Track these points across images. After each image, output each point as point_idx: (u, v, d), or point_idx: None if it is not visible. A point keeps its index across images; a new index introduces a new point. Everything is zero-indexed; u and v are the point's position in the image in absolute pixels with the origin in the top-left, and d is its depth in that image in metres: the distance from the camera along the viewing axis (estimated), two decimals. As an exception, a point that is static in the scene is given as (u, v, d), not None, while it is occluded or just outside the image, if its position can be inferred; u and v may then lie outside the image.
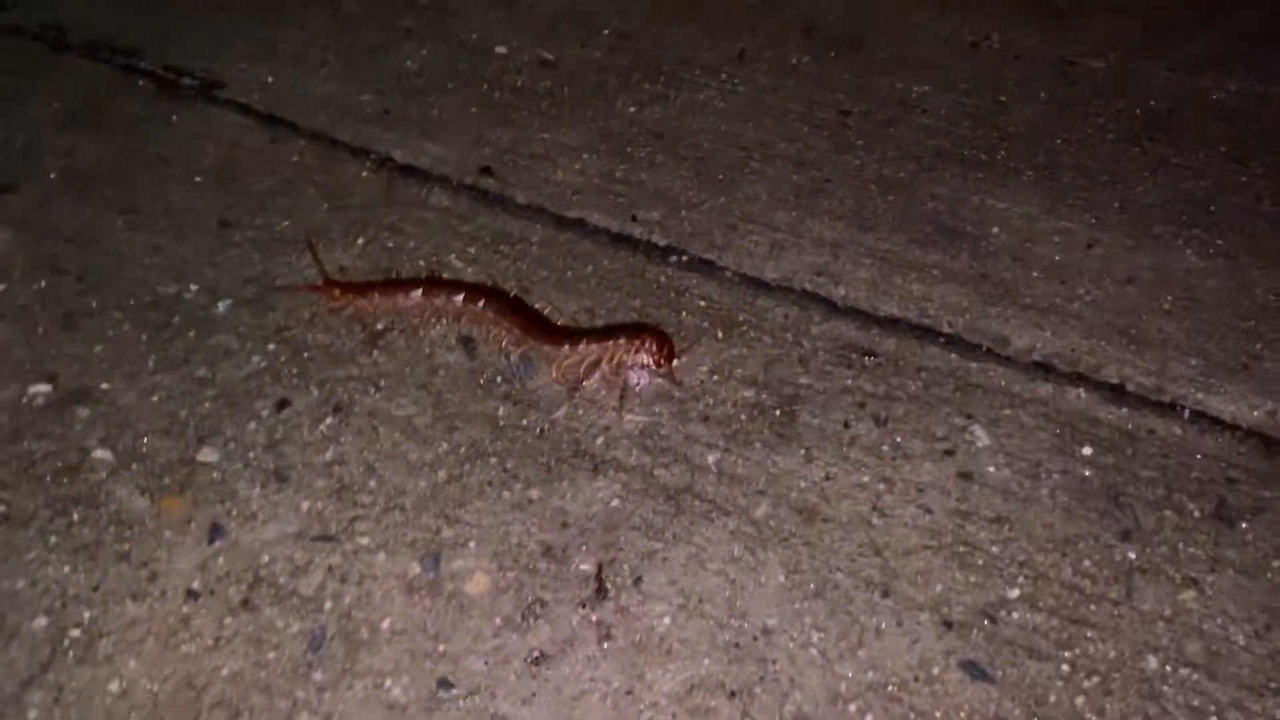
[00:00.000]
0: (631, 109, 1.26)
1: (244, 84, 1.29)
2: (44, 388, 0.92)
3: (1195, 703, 0.72)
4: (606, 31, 1.39)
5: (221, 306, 1.00)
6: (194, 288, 1.02)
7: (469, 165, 1.17)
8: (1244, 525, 0.82)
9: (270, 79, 1.30)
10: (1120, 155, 1.19)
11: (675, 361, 0.93)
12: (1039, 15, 1.42)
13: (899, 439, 0.89)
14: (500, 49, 1.36)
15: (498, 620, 0.77)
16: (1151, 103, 1.26)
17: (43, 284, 1.02)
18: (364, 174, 1.16)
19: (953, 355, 0.96)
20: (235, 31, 1.37)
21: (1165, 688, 0.73)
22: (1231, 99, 1.27)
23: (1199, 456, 0.87)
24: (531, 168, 1.17)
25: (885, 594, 0.78)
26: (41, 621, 0.76)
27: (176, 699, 0.72)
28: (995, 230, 1.09)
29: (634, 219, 1.10)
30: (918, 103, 1.27)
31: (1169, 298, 1.01)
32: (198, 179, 1.16)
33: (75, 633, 0.75)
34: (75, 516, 0.83)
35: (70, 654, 0.74)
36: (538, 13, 1.42)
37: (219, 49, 1.34)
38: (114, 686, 0.73)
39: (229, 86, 1.29)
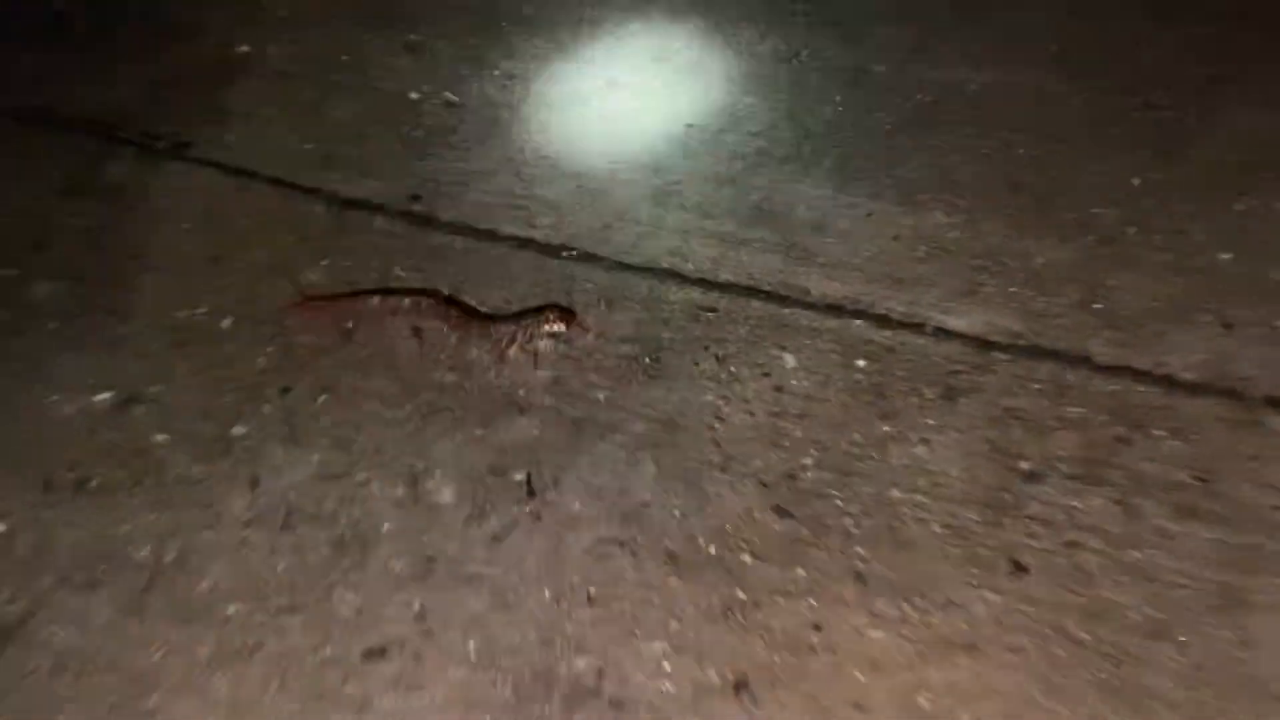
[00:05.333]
0: (523, 136, 1.60)
1: (210, 142, 1.60)
2: (107, 395, 1.24)
3: (922, 516, 1.10)
4: (497, 72, 1.73)
5: (226, 323, 1.33)
6: (201, 310, 1.35)
7: (400, 194, 1.51)
8: (962, 401, 1.21)
9: (229, 136, 1.61)
10: (894, 142, 1.57)
11: (577, 322, 1.29)
12: (837, 31, 1.79)
13: (732, 369, 1.26)
14: (413, 94, 1.69)
15: (462, 518, 1.12)
16: (919, 96, 1.64)
17: (85, 318, 1.33)
18: (318, 209, 1.49)
19: (770, 305, 1.33)
20: (195, 99, 1.68)
21: (903, 509, 1.11)
22: (982, 89, 1.66)
23: (935, 358, 1.26)
24: (450, 193, 1.51)
25: (724, 470, 1.15)
26: (144, 552, 1.09)
27: (246, 590, 1.06)
28: (801, 210, 1.46)
29: (532, 225, 1.45)
30: (744, 113, 1.63)
31: (923, 248, 1.40)
32: (185, 226, 1.47)
33: (170, 556, 1.09)
34: (149, 482, 1.16)
35: (168, 570, 1.08)
36: (439, 59, 1.75)
37: (184, 114, 1.64)
38: (204, 586, 1.06)
39: (197, 145, 1.60)
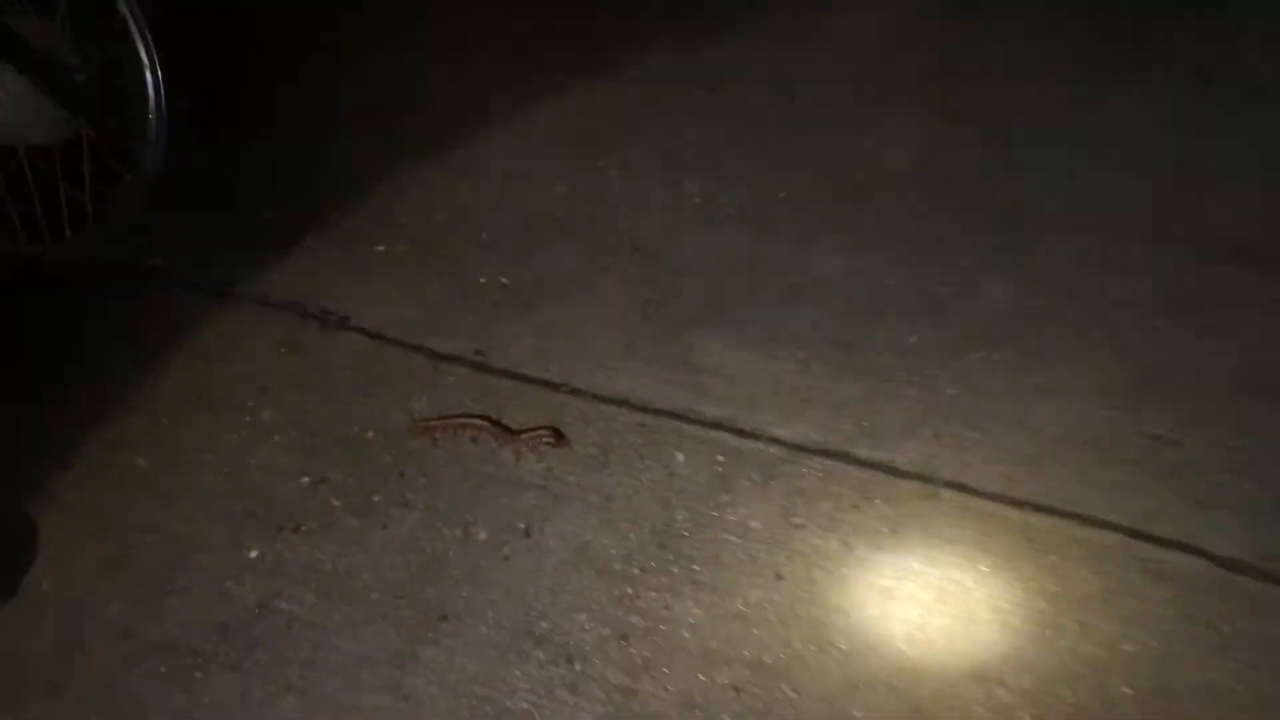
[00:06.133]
0: (544, 313, 2.57)
1: (358, 315, 2.62)
2: (306, 478, 2.25)
3: (736, 549, 2.00)
4: (534, 263, 2.70)
5: (370, 435, 2.33)
6: (356, 427, 2.35)
7: (470, 349, 2.49)
8: (772, 482, 2.09)
9: (369, 311, 2.62)
10: (774, 312, 2.46)
11: (564, 435, 2.24)
12: (754, 227, 2.69)
13: (647, 462, 2.18)
14: (482, 279, 2.68)
15: (491, 548, 2.08)
16: (794, 278, 2.53)
17: (288, 435, 2.35)
18: (421, 360, 2.49)
19: (676, 422, 2.25)
20: (349, 284, 2.71)
21: (727, 545, 2.01)
22: (835, 271, 2.53)
23: (764, 456, 2.14)
24: (500, 349, 2.48)
25: (633, 522, 2.07)
26: (330, 566, 2.09)
27: (381, 587, 2.04)
28: (708, 359, 2.37)
29: (547, 370, 2.41)
30: (687, 288, 2.55)
31: (772, 385, 2.28)
32: (346, 372, 2.49)
33: (342, 568, 2.08)
34: (330, 529, 2.16)
35: (341, 576, 2.07)
36: (500, 252, 2.74)
37: (342, 295, 2.67)
38: (361, 583, 2.05)
39: (350, 318, 2.62)
